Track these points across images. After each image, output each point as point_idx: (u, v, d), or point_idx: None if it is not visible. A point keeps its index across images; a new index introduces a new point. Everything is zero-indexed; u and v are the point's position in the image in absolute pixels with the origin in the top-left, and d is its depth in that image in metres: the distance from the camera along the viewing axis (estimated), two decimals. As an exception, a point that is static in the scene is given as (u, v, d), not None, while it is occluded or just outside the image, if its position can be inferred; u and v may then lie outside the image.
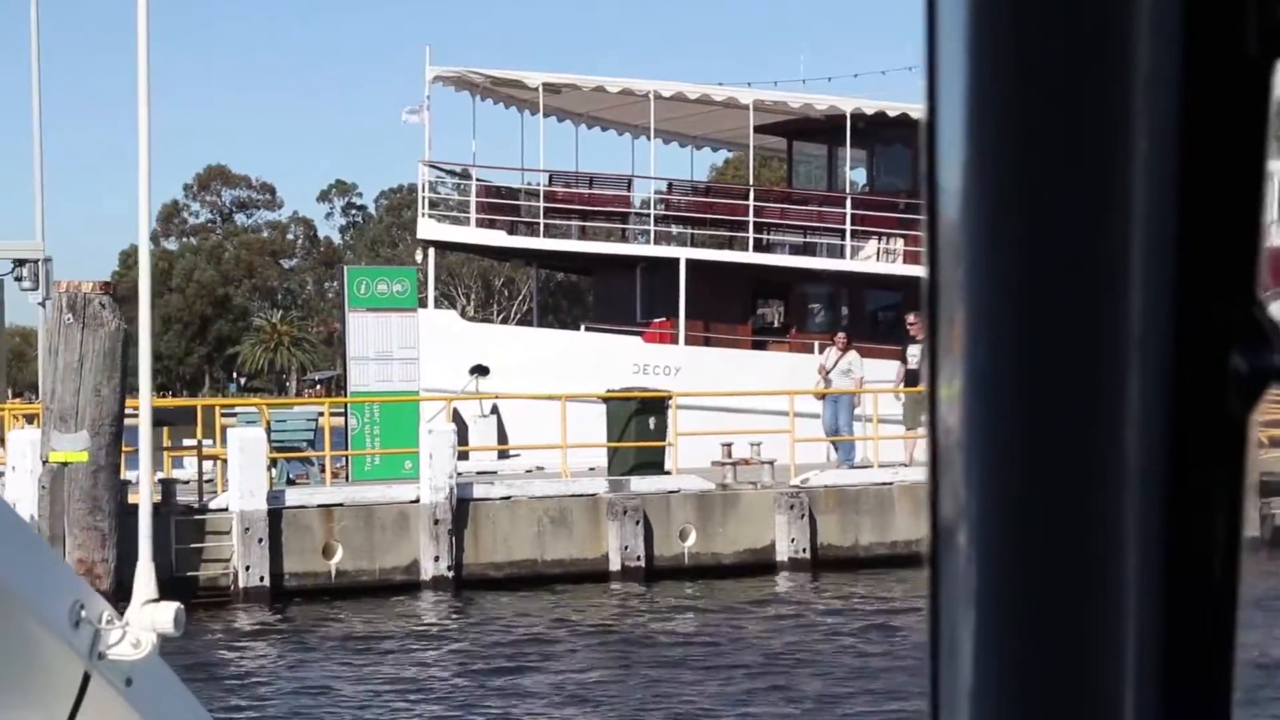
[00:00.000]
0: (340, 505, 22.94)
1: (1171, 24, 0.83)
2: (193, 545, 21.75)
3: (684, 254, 33.88)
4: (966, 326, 0.86)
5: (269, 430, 24.27)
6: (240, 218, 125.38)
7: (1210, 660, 0.88)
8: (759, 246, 35.19)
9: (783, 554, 24.64)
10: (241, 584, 21.82)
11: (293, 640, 19.75)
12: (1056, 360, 0.84)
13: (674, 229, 36.84)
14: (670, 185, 37.49)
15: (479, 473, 26.66)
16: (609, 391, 26.60)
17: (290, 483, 25.21)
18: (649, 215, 36.41)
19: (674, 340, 33.29)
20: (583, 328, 37.00)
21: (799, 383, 28.39)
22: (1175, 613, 0.87)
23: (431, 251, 34.52)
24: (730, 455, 25.64)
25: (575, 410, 25.79)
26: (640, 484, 24.64)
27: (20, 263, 25.84)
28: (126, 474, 23.86)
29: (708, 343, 33.68)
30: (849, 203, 35.60)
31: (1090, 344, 0.84)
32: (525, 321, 50.27)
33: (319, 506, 22.85)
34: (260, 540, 21.91)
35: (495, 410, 30.37)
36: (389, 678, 17.39)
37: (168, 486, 22.44)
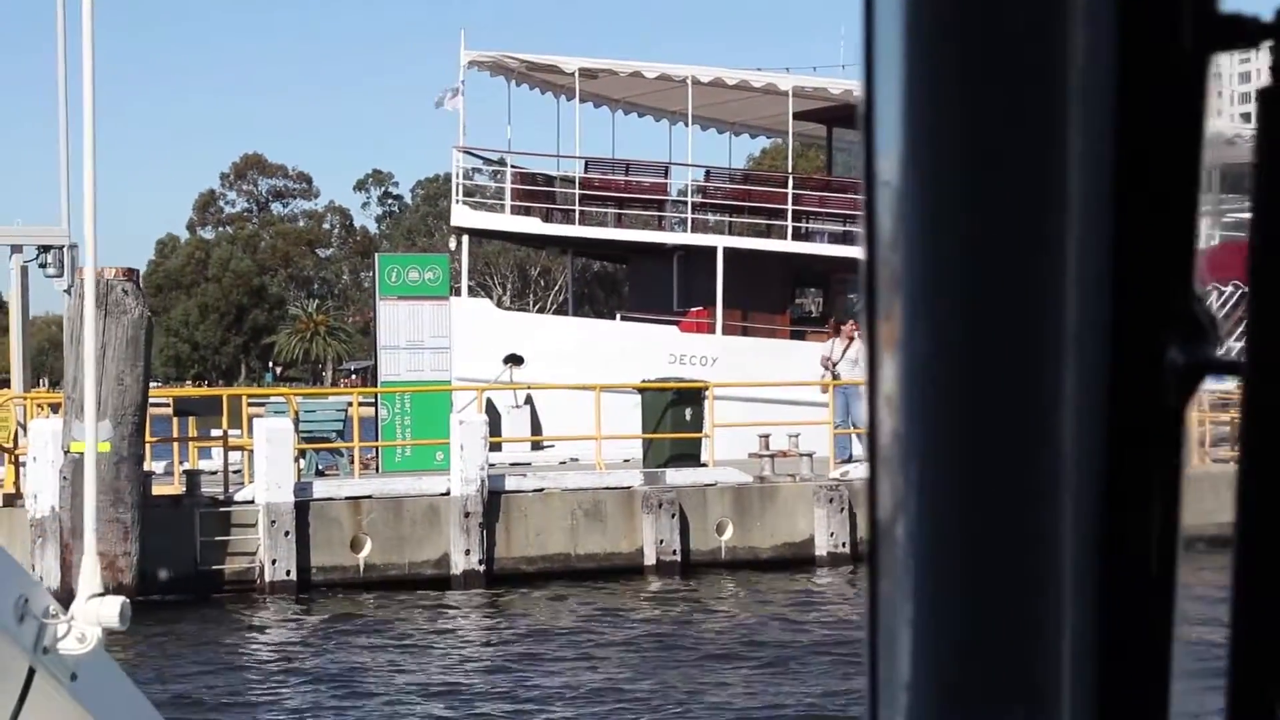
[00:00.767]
0: (369, 497, 22.44)
1: (1106, 18, 0.85)
2: (217, 538, 21.29)
3: (721, 242, 33.41)
4: (905, 320, 0.86)
5: (297, 421, 23.78)
6: (276, 207, 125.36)
7: (1148, 649, 0.90)
8: (797, 235, 34.71)
9: (822, 548, 24.10)
10: (268, 578, 21.34)
11: (319, 635, 19.28)
12: (994, 353, 0.86)
13: (711, 217, 36.36)
14: (708, 172, 36.97)
15: (512, 464, 26.18)
16: (644, 382, 26.14)
17: (319, 474, 24.73)
18: (686, 203, 35.86)
19: (711, 330, 32.85)
20: (618, 317, 36.55)
21: (839, 373, 27.84)
22: (1113, 602, 0.89)
23: (466, 239, 34.04)
24: (768, 447, 25.15)
25: (610, 401, 25.32)
26: (676, 476, 24.14)
27: (45, 249, 25.36)
28: (152, 465, 23.46)
29: (745, 332, 33.18)
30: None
31: (1027, 337, 0.85)
32: (561, 311, 49.76)
33: (347, 499, 22.35)
34: (287, 533, 21.43)
35: (529, 400, 29.89)
36: (417, 674, 16.94)
37: (192, 478, 21.97)
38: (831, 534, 24.10)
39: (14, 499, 21.52)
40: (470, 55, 33.84)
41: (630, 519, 23.50)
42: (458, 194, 34.01)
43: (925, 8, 0.85)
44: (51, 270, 25.40)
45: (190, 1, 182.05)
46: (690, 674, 16.58)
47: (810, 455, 25.10)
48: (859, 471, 24.91)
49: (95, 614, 3.98)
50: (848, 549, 24.05)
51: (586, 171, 35.38)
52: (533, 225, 34.27)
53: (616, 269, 53.93)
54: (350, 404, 25.50)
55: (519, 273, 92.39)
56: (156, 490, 22.04)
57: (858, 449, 26.76)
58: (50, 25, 27.39)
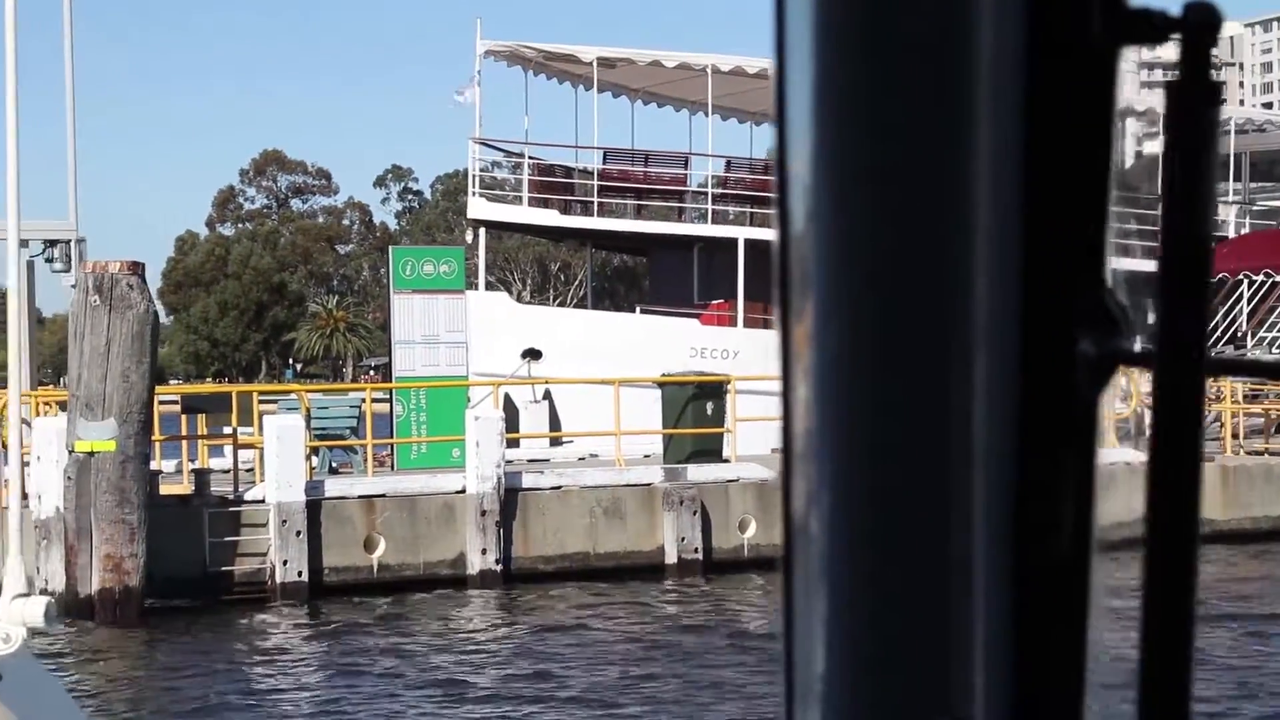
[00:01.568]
0: (382, 496, 21.90)
1: (1015, 13, 0.86)
2: (227, 539, 20.74)
3: (743, 234, 32.88)
4: (816, 316, 0.87)
5: (309, 418, 23.23)
6: (296, 203, 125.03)
7: (1061, 642, 0.91)
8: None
9: (847, 546, 23.48)
10: (279, 579, 20.80)
11: (331, 638, 18.77)
12: (905, 349, 0.86)
13: (732, 209, 35.83)
14: (729, 163, 36.44)
15: (530, 460, 25.65)
16: (665, 376, 25.60)
17: (333, 471, 24.20)
18: (707, 194, 35.30)
19: (732, 323, 32.35)
20: (638, 310, 35.99)
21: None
22: (1026, 595, 0.89)
23: (483, 232, 33.51)
24: (791, 442, 24.51)
25: (630, 395, 24.77)
26: (698, 472, 23.60)
27: (51, 243, 24.84)
28: (162, 464, 22.95)
29: (767, 325, 32.56)
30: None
31: (938, 332, 0.86)
32: (581, 306, 49.28)
33: (360, 497, 21.81)
34: (298, 533, 20.89)
35: (548, 395, 29.36)
36: (433, 677, 16.48)
37: (201, 477, 21.45)
38: (857, 531, 23.51)
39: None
40: (486, 45, 33.34)
41: (651, 516, 22.96)
42: (474, 186, 33.49)
43: (835, 5, 0.85)
44: (59, 265, 24.89)
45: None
46: (714, 675, 16.05)
47: (835, 450, 24.49)
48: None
49: (19, 614, 4.07)
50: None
51: (605, 163, 34.88)
52: (551, 217, 33.77)
53: (636, 263, 53.45)
54: (364, 400, 24.94)
55: (539, 267, 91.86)
56: (166, 490, 21.53)
57: None
58: (56, 15, 26.91)
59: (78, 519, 18.99)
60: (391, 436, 25.33)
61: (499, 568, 21.85)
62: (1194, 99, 0.88)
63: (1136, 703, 0.91)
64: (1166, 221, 0.90)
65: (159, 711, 15.56)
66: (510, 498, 22.19)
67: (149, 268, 19.48)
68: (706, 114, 34.79)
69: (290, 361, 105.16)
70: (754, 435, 24.70)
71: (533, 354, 30.48)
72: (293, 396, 25.95)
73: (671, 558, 22.73)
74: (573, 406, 28.70)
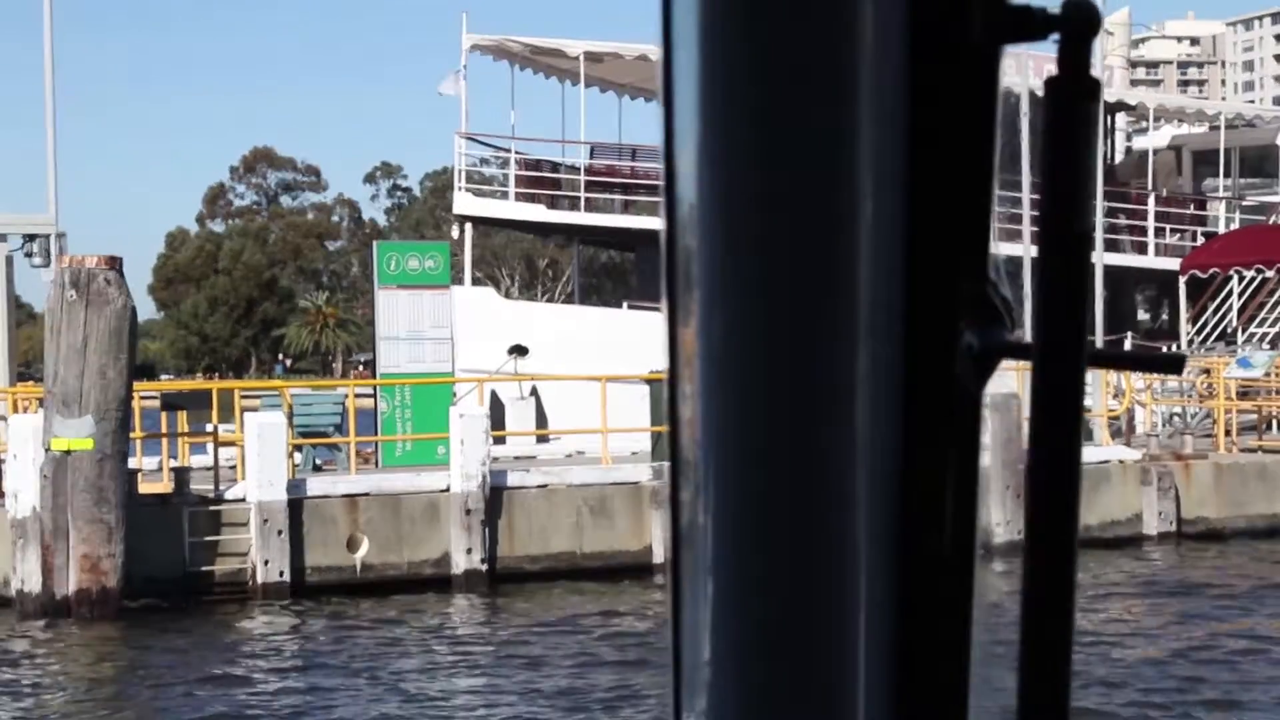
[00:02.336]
0: (366, 495, 21.56)
1: (896, 10, 0.87)
2: (207, 538, 20.39)
3: (731, 229, 32.52)
4: (701, 310, 0.88)
5: (291, 414, 22.90)
6: (285, 200, 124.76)
7: (944, 633, 0.91)
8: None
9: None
10: (260, 579, 20.45)
11: (313, 639, 18.49)
12: (789, 343, 0.86)
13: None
14: (717, 158, 36.05)
15: (516, 457, 25.34)
16: (653, 372, 25.26)
17: (317, 469, 23.86)
18: (695, 188, 34.94)
19: (720, 319, 31.97)
20: (625, 306, 35.70)
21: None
22: (908, 587, 0.90)
23: (469, 227, 33.21)
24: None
25: (617, 392, 24.45)
26: (685, 470, 23.20)
27: (31, 238, 24.50)
28: (143, 461, 22.62)
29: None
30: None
31: (821, 326, 0.87)
32: (568, 301, 48.99)
33: (343, 496, 21.48)
34: (280, 532, 20.55)
35: (534, 392, 29.05)
36: (417, 678, 16.19)
37: (180, 475, 21.10)
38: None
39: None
40: (472, 39, 33.05)
41: (638, 515, 22.67)
42: (460, 181, 33.19)
43: (718, 6, 0.85)
44: (38, 260, 24.56)
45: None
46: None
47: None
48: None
49: None
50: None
51: (592, 158, 34.63)
52: (537, 213, 33.49)
53: (624, 259, 53.17)
54: (347, 396, 24.61)
55: (526, 264, 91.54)
56: (146, 488, 21.18)
57: None
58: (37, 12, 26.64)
59: (54, 518, 18.66)
60: (376, 433, 25.01)
61: (484, 567, 21.54)
62: (1074, 95, 0.88)
63: (1018, 696, 0.91)
64: (1045, 215, 0.91)
65: (137, 715, 15.28)
66: (495, 496, 21.88)
67: (140, 264, 19.27)
68: (694, 108, 34.47)
69: (280, 357, 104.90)
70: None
71: (519, 350, 30.18)
72: (275, 393, 25.61)
73: (660, 557, 22.41)
74: (559, 403, 28.40)
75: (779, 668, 0.89)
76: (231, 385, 24.54)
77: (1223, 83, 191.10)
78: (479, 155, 35.32)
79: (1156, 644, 17.17)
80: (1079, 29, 0.87)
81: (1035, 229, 0.91)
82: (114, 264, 19.06)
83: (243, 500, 20.73)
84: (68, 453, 18.62)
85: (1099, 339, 31.71)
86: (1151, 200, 37.89)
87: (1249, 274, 35.78)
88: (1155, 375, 29.46)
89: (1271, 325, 35.75)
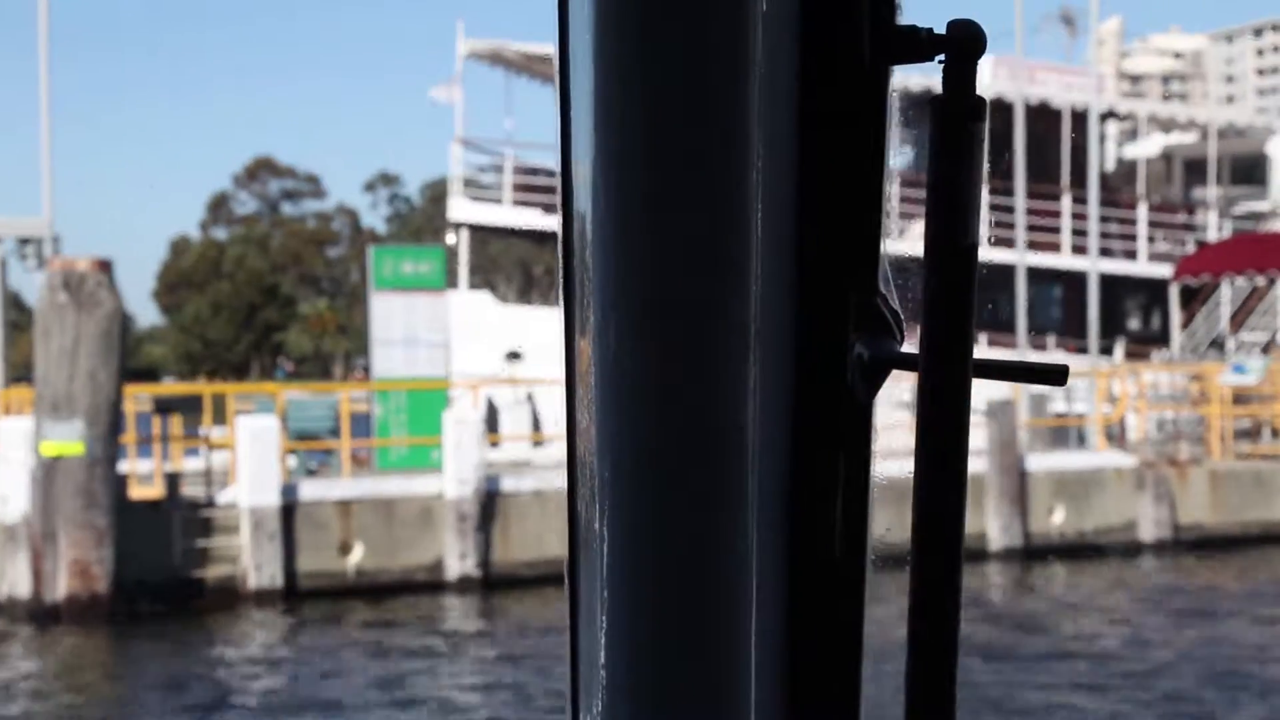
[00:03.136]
0: (359, 500, 21.46)
1: (788, 30, 0.89)
2: (198, 543, 20.30)
3: (727, 234, 32.51)
4: (596, 319, 0.88)
5: (285, 418, 22.82)
6: (287, 207, 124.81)
7: (836, 636, 0.94)
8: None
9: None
10: (252, 585, 20.35)
11: (306, 645, 18.41)
12: (681, 352, 0.87)
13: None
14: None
15: (511, 463, 25.24)
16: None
17: (311, 474, 23.77)
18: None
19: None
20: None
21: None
22: (799, 591, 0.93)
23: (465, 232, 33.14)
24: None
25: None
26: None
27: (24, 241, 24.44)
28: (138, 464, 22.54)
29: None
30: (896, 184, 34.18)
31: (714, 335, 0.87)
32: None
33: (336, 501, 21.38)
34: (272, 537, 20.46)
35: (530, 397, 28.97)
36: (411, 685, 16.11)
37: (172, 480, 21.00)
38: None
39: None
40: (468, 46, 32.99)
41: (632, 520, 22.52)
42: (456, 187, 33.16)
43: (614, 18, 0.86)
44: (32, 263, 24.50)
45: (194, 6, 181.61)
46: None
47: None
48: (879, 468, 23.95)
49: None
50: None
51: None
52: (533, 218, 33.40)
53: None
54: (341, 400, 24.53)
55: (522, 270, 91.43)
56: (139, 493, 21.10)
57: None
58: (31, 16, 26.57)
59: (44, 523, 18.58)
60: (370, 438, 24.92)
61: (479, 573, 21.45)
62: (959, 114, 0.89)
63: (905, 700, 0.91)
64: (931, 230, 0.91)
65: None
66: (490, 501, 21.80)
67: (144, 270, 19.13)
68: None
69: (277, 361, 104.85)
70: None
71: (514, 356, 30.11)
72: (269, 396, 25.53)
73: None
74: (555, 408, 28.31)
75: (672, 669, 0.89)
76: (225, 389, 24.42)
77: (1204, 96, 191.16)
78: (476, 162, 35.30)
79: (1159, 653, 17.08)
80: (964, 49, 0.89)
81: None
82: (104, 267, 18.99)
83: (235, 505, 20.65)
84: (58, 457, 18.54)
85: (1093, 346, 31.68)
86: (1143, 208, 37.85)
87: (1239, 281, 35.75)
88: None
89: (1264, 332, 35.70)
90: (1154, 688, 14.99)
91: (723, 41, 0.86)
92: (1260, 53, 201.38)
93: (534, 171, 34.42)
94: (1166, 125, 40.93)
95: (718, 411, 0.87)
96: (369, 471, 24.19)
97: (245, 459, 20.59)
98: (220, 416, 22.52)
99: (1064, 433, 27.44)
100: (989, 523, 23.29)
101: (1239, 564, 23.61)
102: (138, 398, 23.42)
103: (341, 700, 15.51)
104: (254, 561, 20.36)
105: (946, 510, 0.91)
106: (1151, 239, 37.83)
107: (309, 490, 21.48)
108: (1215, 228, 39.00)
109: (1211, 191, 39.47)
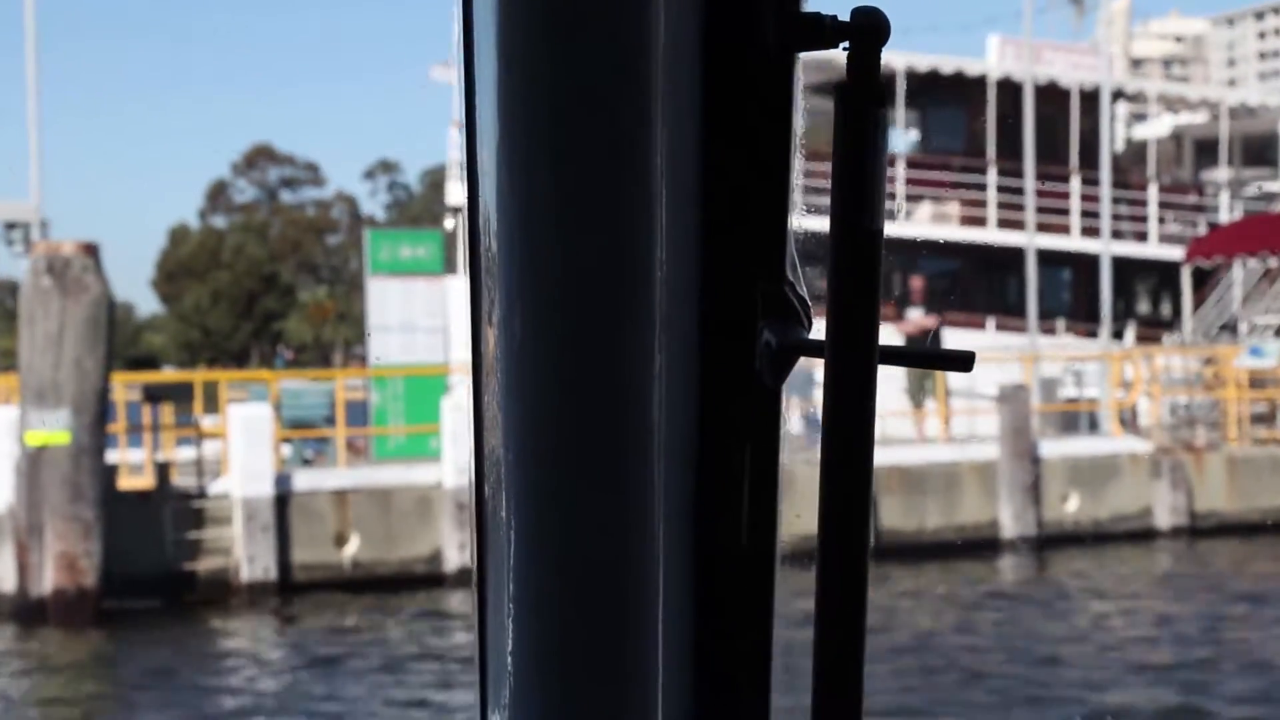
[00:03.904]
0: (355, 490, 20.91)
1: (690, 17, 0.89)
2: (190, 535, 19.74)
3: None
4: (502, 309, 0.87)
5: (279, 406, 22.25)
6: (286, 195, 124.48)
7: (744, 626, 0.93)
8: (807, 211, 33.36)
9: (841, 539, 22.57)
10: (245, 577, 19.80)
11: (300, 639, 17.93)
12: (587, 341, 0.86)
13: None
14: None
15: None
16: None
17: (307, 463, 23.21)
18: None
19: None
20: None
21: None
22: (707, 582, 0.92)
23: (462, 217, 32.66)
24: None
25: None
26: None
27: (11, 225, 23.88)
28: (127, 454, 22.01)
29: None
30: (902, 165, 33.69)
31: (620, 324, 0.86)
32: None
33: (331, 491, 20.82)
34: (265, 529, 19.91)
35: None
36: (408, 680, 15.74)
37: (162, 470, 20.44)
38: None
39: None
40: (466, 25, 32.52)
41: (635, 509, 22.03)
42: (454, 171, 32.65)
43: (517, 7, 0.85)
44: (19, 248, 23.95)
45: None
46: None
47: (827, 440, 23.61)
48: (884, 457, 23.41)
49: None
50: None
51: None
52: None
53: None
54: (337, 387, 23.96)
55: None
56: (129, 483, 20.55)
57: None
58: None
59: (29, 515, 18.02)
60: (367, 426, 24.38)
61: (477, 564, 20.92)
62: (862, 100, 0.87)
63: (813, 692, 0.89)
64: (836, 216, 0.89)
65: None
66: (489, 490, 21.26)
67: (143, 259, 18.56)
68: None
69: (277, 349, 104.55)
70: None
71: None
72: (263, 384, 24.97)
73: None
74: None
75: (580, 660, 0.87)
76: (217, 376, 23.87)
77: (1206, 80, 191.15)
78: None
79: (1170, 642, 16.60)
80: (868, 37, 0.87)
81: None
82: (91, 250, 18.40)
83: (227, 496, 20.10)
84: (43, 447, 17.98)
85: (1105, 329, 31.11)
86: (1153, 189, 37.30)
87: (1251, 263, 35.22)
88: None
89: (1277, 315, 35.16)
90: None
91: (626, 30, 0.84)
92: (1262, 36, 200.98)
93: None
94: (1176, 105, 40.37)
95: (624, 400, 0.85)
96: (366, 460, 23.64)
97: (238, 448, 20.04)
98: (213, 405, 21.96)
99: (1074, 418, 26.89)
100: (1001, 510, 22.73)
101: (1270, 552, 23.09)
102: (129, 386, 22.84)
103: (338, 695, 15.04)
104: (247, 554, 19.81)
105: (853, 495, 0.89)
106: (1162, 220, 37.28)
107: (303, 480, 20.93)
108: (1227, 209, 38.47)
109: (1223, 172, 38.93)
